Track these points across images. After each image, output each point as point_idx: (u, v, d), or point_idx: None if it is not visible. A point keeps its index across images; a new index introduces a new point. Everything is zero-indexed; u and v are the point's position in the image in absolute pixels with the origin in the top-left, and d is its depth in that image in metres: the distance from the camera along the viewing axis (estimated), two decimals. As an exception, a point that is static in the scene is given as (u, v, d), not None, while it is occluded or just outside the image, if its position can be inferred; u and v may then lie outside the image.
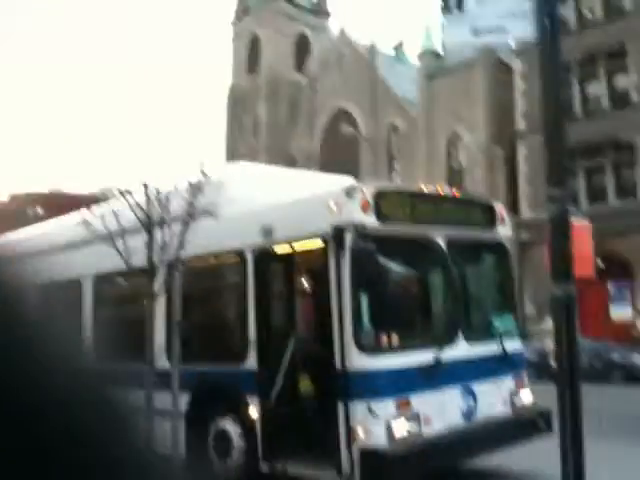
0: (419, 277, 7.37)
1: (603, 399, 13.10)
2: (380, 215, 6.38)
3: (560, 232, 3.13)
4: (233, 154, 46.78)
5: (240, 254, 7.33)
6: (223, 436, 7.21)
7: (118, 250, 5.52)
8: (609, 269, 24.63)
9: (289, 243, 7.04)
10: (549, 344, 20.92)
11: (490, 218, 7.79)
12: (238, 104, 49.01)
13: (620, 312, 26.25)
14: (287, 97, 46.91)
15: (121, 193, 6.15)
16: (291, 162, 42.11)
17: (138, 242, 5.54)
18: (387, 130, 39.01)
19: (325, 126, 43.15)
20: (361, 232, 6.15)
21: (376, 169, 37.58)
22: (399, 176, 37.18)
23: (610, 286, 26.17)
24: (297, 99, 46.34)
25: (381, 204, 6.43)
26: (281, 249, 7.18)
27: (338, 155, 41.95)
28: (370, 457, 5.84)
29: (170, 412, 5.26)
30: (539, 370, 18.69)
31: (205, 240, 6.92)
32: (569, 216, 3.17)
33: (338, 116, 41.94)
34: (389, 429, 5.95)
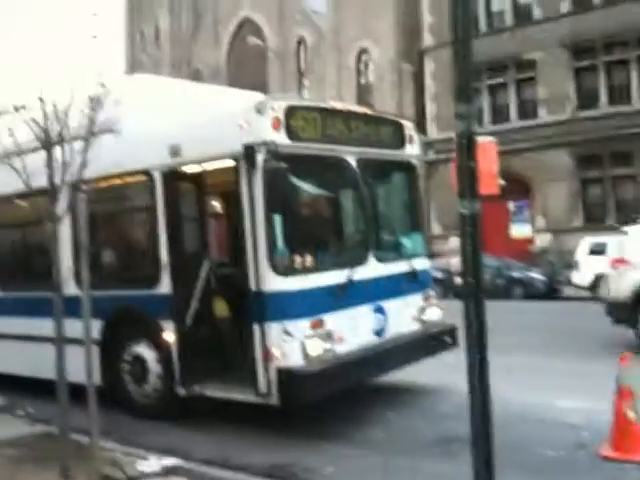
0: (331, 197, 7.35)
1: (505, 313, 13.89)
2: (291, 133, 6.24)
3: (466, 149, 3.14)
4: (133, 66, 44.51)
5: (148, 174, 7.04)
6: (138, 362, 7.14)
7: (16, 170, 5.14)
8: (509, 188, 25.60)
9: (199, 163, 6.81)
10: (454, 263, 21.85)
11: (400, 137, 7.80)
12: (136, 10, 46.25)
13: (520, 230, 27.58)
14: (190, 4, 44.59)
15: (15, 108, 5.69)
16: (196, 77, 40.54)
17: (37, 162, 5.18)
18: (295, 44, 38.05)
19: (231, 38, 41.56)
20: (272, 151, 6.01)
21: (285, 86, 36.82)
22: (308, 93, 36.62)
23: (510, 205, 27.31)
24: (201, 7, 44.16)
25: (292, 121, 6.26)
26: (191, 169, 6.95)
27: (245, 70, 40.72)
28: (286, 376, 5.94)
29: (82, 340, 5.08)
30: (444, 288, 19.58)
31: (109, 159, 6.59)
32: (475, 133, 3.17)
33: (244, 27, 40.44)
34: (304, 348, 6.05)
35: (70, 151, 5.11)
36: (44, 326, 7.32)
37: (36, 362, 8.06)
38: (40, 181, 5.19)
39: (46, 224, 5.32)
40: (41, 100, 5.08)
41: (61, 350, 5.18)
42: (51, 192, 5.14)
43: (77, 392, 5.26)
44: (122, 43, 47.30)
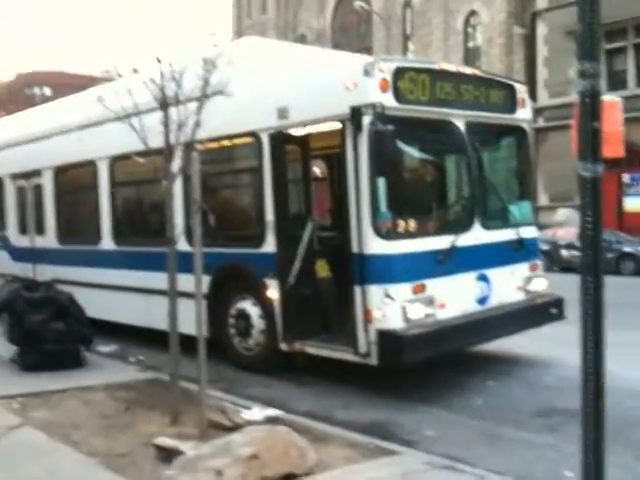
0: (437, 161, 7.27)
1: (615, 288, 13.29)
2: (399, 95, 6.16)
3: (590, 109, 2.98)
4: (239, 32, 45.11)
5: (256, 136, 7.19)
6: (243, 317, 7.41)
7: (135, 129, 5.38)
8: (624, 158, 24.26)
9: (306, 125, 6.88)
10: (561, 235, 21.08)
11: (511, 100, 7.55)
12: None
13: (634, 203, 25.99)
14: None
15: (134, 70, 5.94)
16: (301, 42, 40.59)
17: (153, 121, 5.40)
18: (402, 7, 37.27)
19: (336, 2, 41.23)
20: (379, 113, 5.97)
21: (389, 50, 36.24)
22: (414, 57, 35.88)
23: (625, 176, 25.83)
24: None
25: (400, 83, 6.18)
26: (297, 131, 7.04)
27: (350, 35, 40.41)
28: (386, 337, 6.00)
29: (191, 294, 5.32)
30: (550, 260, 18.95)
31: (219, 120, 6.76)
32: (600, 92, 3.01)
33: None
34: (404, 311, 6.07)
35: (184, 111, 5.29)
36: (156, 279, 7.76)
37: (148, 313, 8.55)
38: (156, 141, 5.42)
39: (161, 182, 5.56)
40: (158, 61, 5.26)
41: (174, 302, 5.44)
42: (167, 151, 5.36)
43: (184, 343, 5.53)
44: (229, 9, 47.98)
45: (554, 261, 19.50)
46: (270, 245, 7.03)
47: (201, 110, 5.32)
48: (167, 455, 4.49)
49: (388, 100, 6.05)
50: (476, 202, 6.98)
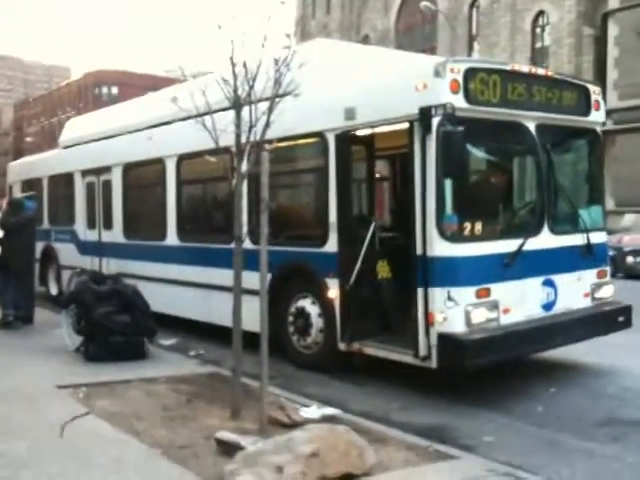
0: (506, 164, 7.12)
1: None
2: (470, 96, 6.06)
3: None
4: (304, 33, 45.37)
5: (322, 137, 7.21)
6: (303, 315, 7.45)
7: (207, 129, 5.46)
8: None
9: (373, 126, 6.86)
10: (627, 241, 20.39)
11: (585, 102, 7.34)
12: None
13: None
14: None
15: (202, 72, 6.04)
16: (365, 42, 40.54)
17: (224, 121, 5.48)
18: (468, 7, 36.78)
19: (401, 3, 41.02)
20: (449, 114, 5.89)
21: (454, 50, 35.83)
22: (479, 58, 35.38)
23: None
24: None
25: (471, 84, 6.07)
26: (364, 132, 7.02)
27: (414, 36, 40.15)
28: (447, 341, 5.92)
29: (253, 291, 5.37)
30: (615, 266, 18.33)
31: (287, 121, 6.79)
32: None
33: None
34: (467, 315, 5.98)
35: (255, 112, 5.34)
36: (218, 275, 7.87)
37: (209, 308, 8.69)
38: (225, 140, 5.49)
39: (229, 181, 5.62)
40: (232, 61, 5.32)
41: (238, 299, 5.50)
42: (238, 150, 5.41)
43: (243, 339, 5.56)
44: (293, 10, 48.32)
45: (619, 267, 18.90)
46: (332, 245, 7.04)
47: (272, 111, 5.36)
48: (228, 449, 4.54)
49: (458, 101, 5.97)
50: (546, 206, 6.82)
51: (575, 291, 6.99)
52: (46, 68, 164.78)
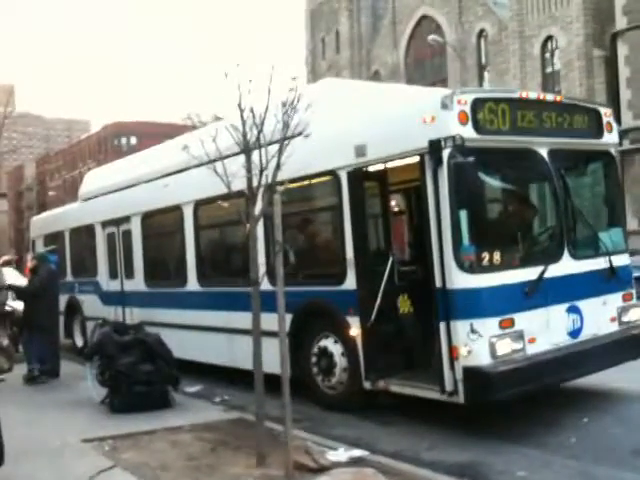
0: (521, 191, 7.06)
1: None
2: (479, 126, 6.05)
3: None
4: (314, 72, 46.05)
5: (334, 175, 7.23)
6: (325, 355, 7.37)
7: (218, 174, 5.52)
8: None
9: (384, 162, 6.87)
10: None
11: (597, 125, 7.28)
12: (317, 20, 47.78)
13: None
14: (369, 8, 45.27)
15: (216, 117, 6.12)
16: (375, 78, 41.04)
17: (235, 166, 5.53)
18: (476, 37, 37.12)
19: (409, 37, 41.54)
20: (459, 146, 5.88)
21: (464, 81, 36.07)
22: (490, 86, 35.54)
23: None
24: (379, 9, 44.67)
25: (480, 114, 6.07)
26: (376, 168, 7.03)
27: (424, 68, 40.53)
28: (474, 375, 5.80)
29: (273, 332, 5.34)
30: (641, 287, 17.99)
31: (298, 161, 6.84)
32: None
33: (423, 25, 40.23)
34: (492, 347, 5.86)
35: (265, 155, 5.38)
36: (239, 319, 7.85)
37: (231, 352, 8.65)
38: (238, 184, 5.52)
39: (244, 224, 5.64)
40: (239, 107, 5.39)
41: (258, 342, 5.46)
42: (250, 194, 5.44)
43: (268, 382, 5.52)
44: (303, 52, 49.15)
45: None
46: (351, 282, 7.00)
47: (282, 153, 5.40)
48: (254, 498, 4.46)
49: (467, 132, 5.96)
50: (564, 231, 6.73)
51: (601, 316, 6.86)
52: (66, 122, 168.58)
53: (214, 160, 5.69)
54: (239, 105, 5.31)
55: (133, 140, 73.07)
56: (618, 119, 27.32)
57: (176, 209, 10.01)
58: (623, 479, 4.99)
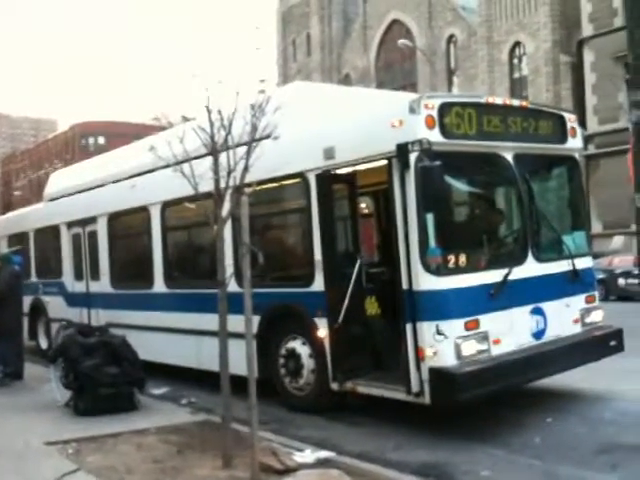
0: (486, 195, 7.17)
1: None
2: (445, 130, 6.12)
3: None
4: (285, 75, 46.06)
5: (303, 177, 7.25)
6: (293, 356, 7.37)
7: (186, 176, 5.49)
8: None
9: (352, 165, 6.90)
10: (617, 263, 20.46)
11: (561, 130, 7.43)
12: (288, 22, 47.82)
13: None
14: (340, 12, 45.45)
15: (184, 119, 6.08)
16: (346, 82, 41.20)
17: (203, 167, 5.50)
18: (445, 42, 37.51)
19: (379, 41, 41.80)
20: (426, 149, 5.94)
21: (434, 85, 36.42)
22: (458, 91, 35.94)
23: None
24: (350, 14, 44.87)
25: (447, 118, 6.14)
26: (344, 170, 7.06)
27: (394, 72, 40.81)
28: (439, 375, 5.86)
29: (241, 334, 5.32)
30: (606, 289, 18.38)
31: (267, 163, 6.83)
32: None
33: (393, 29, 40.53)
34: (458, 349, 5.93)
35: (234, 157, 5.37)
36: (206, 320, 7.81)
37: (198, 354, 8.60)
38: (205, 186, 5.50)
39: (212, 226, 5.62)
40: (207, 109, 5.37)
41: (225, 344, 5.45)
42: (217, 196, 5.42)
43: (235, 383, 5.51)
44: (274, 54, 49.11)
45: (610, 290, 18.92)
46: (319, 284, 7.01)
47: (250, 155, 5.39)
48: (219, 500, 4.44)
49: (435, 136, 6.03)
50: (529, 234, 6.84)
51: (564, 318, 6.98)
52: (33, 121, 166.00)
53: (182, 161, 5.67)
54: (207, 107, 5.30)
55: (101, 140, 72.17)
56: (584, 124, 27.84)
57: (143, 210, 9.93)
58: (584, 477, 5.08)
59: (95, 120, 77.85)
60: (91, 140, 74.69)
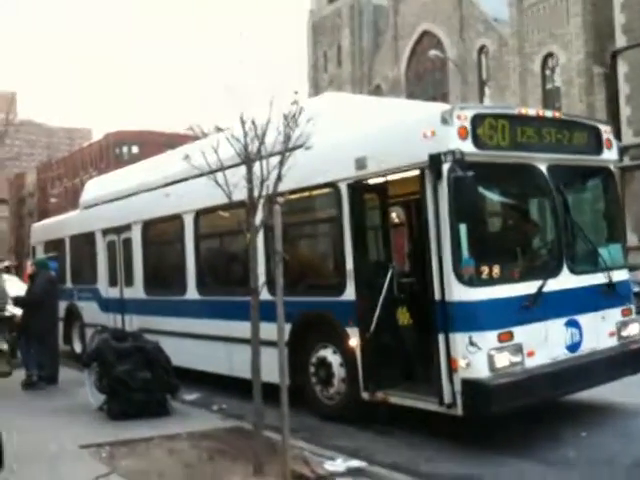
0: (520, 206, 7.11)
1: None
2: (478, 141, 6.12)
3: None
4: (316, 87, 46.25)
5: (335, 187, 7.28)
6: (324, 365, 7.38)
7: (219, 185, 5.56)
8: None
9: (384, 175, 6.92)
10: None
11: (596, 142, 7.35)
12: (319, 34, 48.06)
13: None
14: (371, 23, 45.57)
15: (218, 129, 6.16)
16: (376, 93, 41.23)
17: (237, 177, 5.57)
18: (477, 53, 37.34)
19: (410, 52, 41.77)
20: (459, 160, 5.93)
21: (465, 96, 36.24)
22: (490, 102, 35.73)
23: None
24: (381, 25, 44.96)
25: (479, 129, 6.14)
26: (376, 180, 7.08)
27: (425, 83, 40.73)
28: (472, 387, 5.83)
29: (273, 342, 5.36)
30: (640, 303, 17.99)
31: (299, 173, 6.88)
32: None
33: (424, 40, 40.49)
34: (491, 360, 5.89)
35: (267, 166, 5.43)
36: (238, 328, 7.87)
37: (230, 361, 8.65)
38: (239, 194, 5.56)
39: (245, 234, 5.68)
40: (242, 120, 5.44)
41: (257, 352, 5.48)
42: (250, 205, 5.48)
43: (267, 391, 5.54)
44: (305, 65, 49.34)
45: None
46: (350, 293, 7.02)
47: (283, 165, 5.45)
48: (251, 506, 4.47)
49: (467, 147, 6.02)
50: (563, 246, 6.78)
51: (600, 331, 6.88)
52: (68, 130, 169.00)
53: (215, 170, 5.74)
54: (241, 118, 5.37)
55: (135, 149, 73.11)
56: (618, 136, 27.46)
57: (177, 218, 10.05)
58: (620, 494, 5.01)
59: (129, 129, 78.98)
60: (125, 149, 75.71)
